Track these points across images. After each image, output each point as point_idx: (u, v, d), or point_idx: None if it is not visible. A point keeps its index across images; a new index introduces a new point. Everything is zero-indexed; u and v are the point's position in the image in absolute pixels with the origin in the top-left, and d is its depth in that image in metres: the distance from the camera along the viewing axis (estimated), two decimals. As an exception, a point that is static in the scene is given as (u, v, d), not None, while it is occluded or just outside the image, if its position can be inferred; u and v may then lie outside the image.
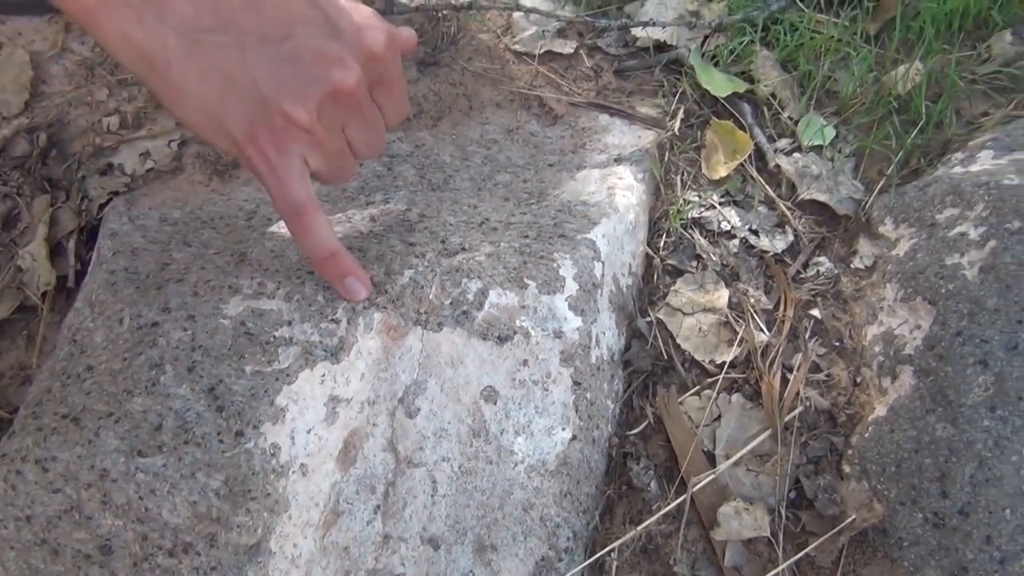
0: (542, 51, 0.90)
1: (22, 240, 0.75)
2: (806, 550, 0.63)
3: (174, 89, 0.49)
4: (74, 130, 0.81)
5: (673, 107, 0.85)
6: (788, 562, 0.62)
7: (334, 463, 0.57)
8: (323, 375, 0.57)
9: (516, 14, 0.92)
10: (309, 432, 0.56)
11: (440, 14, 0.91)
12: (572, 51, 0.91)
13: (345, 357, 0.58)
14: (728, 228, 0.77)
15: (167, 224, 0.71)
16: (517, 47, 0.91)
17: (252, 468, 0.54)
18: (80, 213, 0.75)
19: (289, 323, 0.58)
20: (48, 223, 0.75)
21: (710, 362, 0.70)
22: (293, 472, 0.55)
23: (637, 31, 0.90)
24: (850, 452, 0.66)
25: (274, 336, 0.57)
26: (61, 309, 0.72)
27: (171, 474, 0.53)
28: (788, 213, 0.78)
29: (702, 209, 0.78)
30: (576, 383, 0.61)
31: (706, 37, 0.90)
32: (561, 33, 0.92)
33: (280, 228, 0.67)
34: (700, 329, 0.71)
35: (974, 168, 0.75)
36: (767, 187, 0.80)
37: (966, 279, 0.66)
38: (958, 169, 0.76)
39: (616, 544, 0.62)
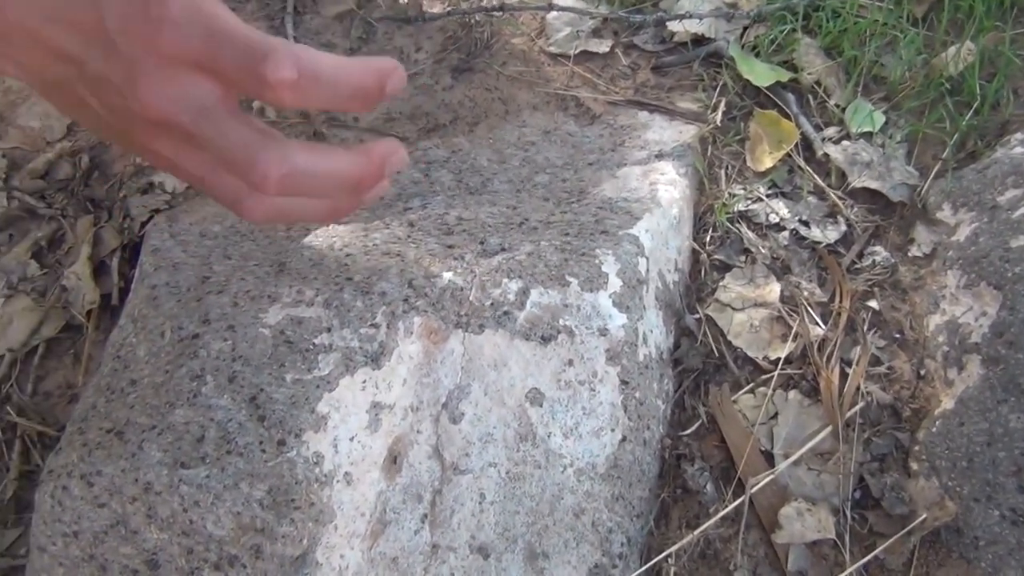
0: (577, 51, 0.89)
1: (67, 260, 0.75)
2: (875, 552, 0.60)
3: None
4: (115, 151, 0.82)
5: (714, 100, 0.83)
6: (856, 565, 0.59)
7: (379, 471, 0.56)
8: (364, 381, 0.56)
9: (550, 16, 0.91)
10: (352, 440, 0.55)
11: (473, 19, 0.90)
12: (608, 50, 0.89)
13: (386, 362, 0.57)
14: (777, 220, 0.74)
15: (207, 238, 0.71)
16: (552, 49, 0.90)
17: (295, 477, 0.53)
18: (122, 231, 0.75)
19: (328, 330, 0.57)
20: (91, 243, 0.75)
21: (764, 358, 0.67)
22: (337, 481, 0.54)
23: (674, 26, 0.88)
24: (917, 448, 0.63)
25: (313, 343, 0.57)
26: (106, 327, 0.72)
27: (214, 485, 0.52)
28: (839, 202, 0.75)
29: (748, 202, 0.75)
30: (624, 382, 0.59)
31: (745, 28, 0.88)
32: (596, 32, 0.91)
33: (317, 238, 0.66)
34: (752, 325, 0.68)
35: (1036, 147, 0.72)
36: (816, 177, 0.77)
37: (1034, 261, 0.62)
38: (1019, 150, 0.73)
39: (673, 549, 0.60)
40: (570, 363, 0.58)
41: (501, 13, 0.90)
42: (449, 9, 0.91)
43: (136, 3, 0.40)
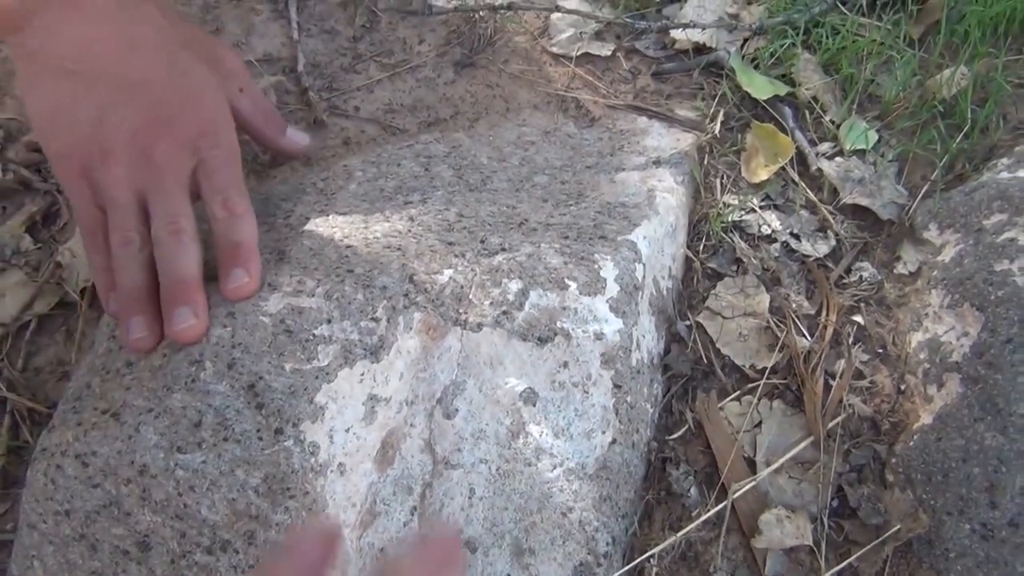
0: (579, 53, 0.90)
1: (61, 236, 0.75)
2: (849, 560, 0.62)
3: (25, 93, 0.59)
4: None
5: (712, 110, 0.84)
6: (831, 572, 0.61)
7: (372, 463, 0.57)
8: (362, 374, 0.57)
9: (554, 16, 0.92)
10: (348, 431, 0.56)
11: (477, 15, 0.91)
12: (610, 53, 0.90)
13: (384, 356, 0.57)
14: (769, 232, 0.76)
15: (205, 222, 0.71)
16: (554, 49, 0.90)
17: (291, 466, 0.53)
18: (119, 210, 0.75)
19: (329, 321, 0.58)
20: (87, 220, 0.75)
21: (751, 367, 0.69)
22: (331, 471, 0.55)
23: (676, 33, 0.89)
24: (894, 461, 0.65)
25: (313, 334, 0.57)
26: (100, 305, 0.72)
27: (210, 471, 0.53)
28: (830, 217, 0.77)
29: (742, 213, 0.77)
30: (616, 386, 0.60)
31: (746, 40, 0.89)
32: (599, 35, 0.92)
33: (318, 227, 0.66)
34: (741, 334, 0.70)
35: (1022, 173, 0.73)
36: (808, 191, 0.79)
37: (1017, 285, 0.64)
38: (1005, 174, 0.75)
39: (655, 550, 0.61)
40: (565, 365, 0.59)
41: (507, 11, 0.90)
42: (455, 4, 0.92)
43: None
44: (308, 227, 0.67)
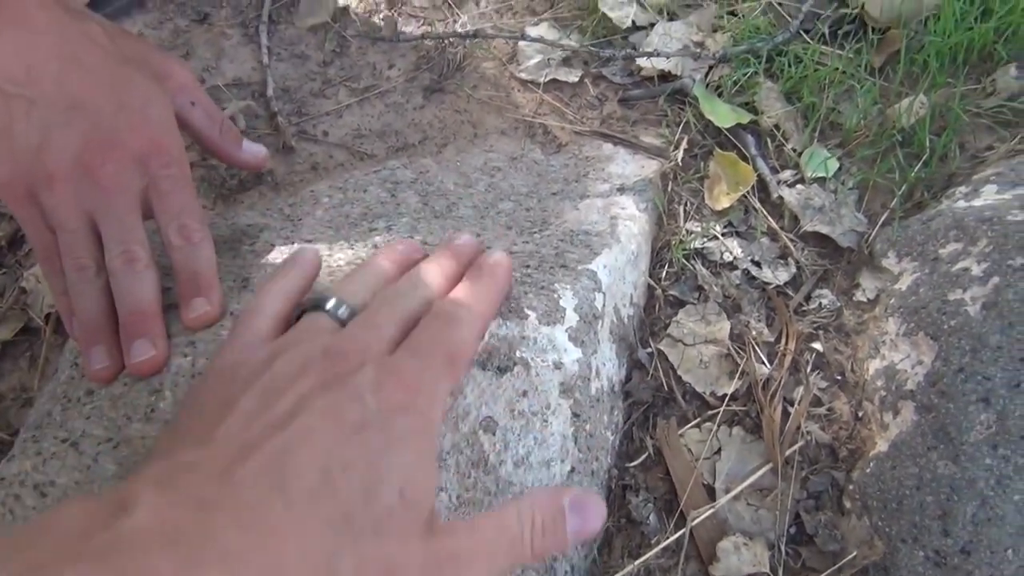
0: (547, 79, 0.91)
1: (27, 261, 0.75)
2: (806, 586, 0.62)
3: None
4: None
5: (676, 137, 0.85)
6: (787, 598, 0.62)
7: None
8: (322, 403, 0.57)
9: (522, 43, 0.93)
10: (307, 461, 0.56)
11: (446, 42, 0.92)
12: (577, 80, 0.91)
13: (344, 386, 0.58)
14: (730, 259, 0.77)
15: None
16: (522, 75, 0.91)
17: (249, 497, 0.54)
18: (85, 236, 0.75)
19: (289, 351, 0.58)
20: (53, 245, 0.75)
21: (711, 394, 0.70)
22: (290, 501, 0.55)
23: (642, 61, 0.91)
24: (851, 488, 0.66)
25: (274, 364, 0.57)
26: (64, 332, 0.72)
27: (168, 502, 0.53)
28: (790, 245, 0.78)
29: (704, 240, 0.78)
30: (576, 415, 0.61)
31: (710, 68, 0.91)
32: (566, 62, 0.93)
33: (281, 255, 0.67)
34: (701, 361, 0.71)
35: (978, 203, 0.75)
36: (770, 219, 0.80)
37: (968, 315, 0.66)
38: (961, 203, 0.76)
39: (614, 578, 0.62)
40: (524, 394, 0.60)
41: (475, 38, 0.91)
42: (423, 31, 0.92)
43: None
44: (271, 255, 0.67)
